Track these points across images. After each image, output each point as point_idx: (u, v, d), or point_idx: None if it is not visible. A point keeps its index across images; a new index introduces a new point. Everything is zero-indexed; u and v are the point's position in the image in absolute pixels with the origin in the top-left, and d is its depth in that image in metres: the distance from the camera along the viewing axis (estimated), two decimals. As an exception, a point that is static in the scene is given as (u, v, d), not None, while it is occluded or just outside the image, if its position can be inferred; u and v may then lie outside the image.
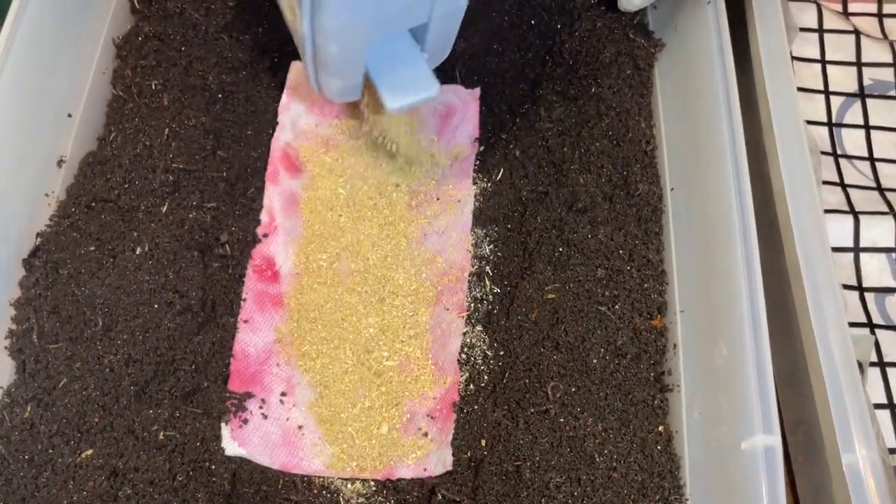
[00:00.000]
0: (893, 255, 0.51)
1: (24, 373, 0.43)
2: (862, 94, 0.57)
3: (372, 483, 0.47)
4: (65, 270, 0.45)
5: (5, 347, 0.43)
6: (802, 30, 0.59)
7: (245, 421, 0.46)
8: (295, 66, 0.58)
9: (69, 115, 0.50)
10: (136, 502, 0.40)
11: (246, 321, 0.50)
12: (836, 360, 0.40)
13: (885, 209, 0.52)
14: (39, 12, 0.47)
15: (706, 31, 0.49)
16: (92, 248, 0.46)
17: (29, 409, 0.41)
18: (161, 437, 0.42)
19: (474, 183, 0.56)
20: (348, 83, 0.46)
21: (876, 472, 0.37)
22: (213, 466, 0.44)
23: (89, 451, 0.41)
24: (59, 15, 0.49)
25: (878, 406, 0.47)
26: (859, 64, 0.58)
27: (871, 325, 0.49)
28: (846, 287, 0.50)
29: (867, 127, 0.56)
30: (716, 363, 0.42)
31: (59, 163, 0.49)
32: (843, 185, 0.53)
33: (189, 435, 0.43)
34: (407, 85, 0.45)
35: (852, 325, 0.49)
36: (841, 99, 0.57)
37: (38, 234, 0.46)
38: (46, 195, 0.47)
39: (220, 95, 0.54)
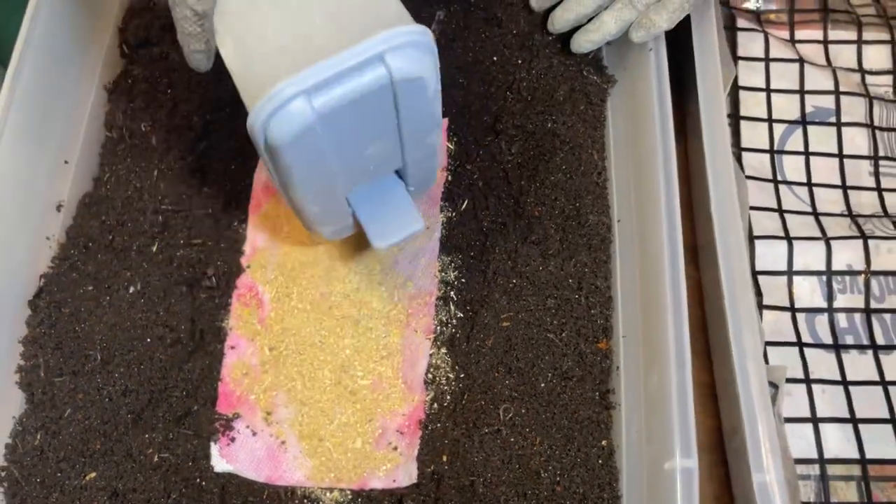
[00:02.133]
0: (824, 277, 0.55)
1: (32, 404, 0.48)
2: (804, 121, 0.61)
3: (348, 492, 0.52)
4: (66, 309, 0.50)
5: (16, 382, 0.48)
6: (750, 59, 0.62)
7: (232, 439, 0.52)
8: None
9: (66, 162, 0.54)
10: (134, 520, 0.45)
11: (232, 347, 0.55)
12: (751, 383, 0.45)
13: (818, 234, 0.56)
14: (39, 64, 0.51)
15: (648, 76, 0.53)
16: (90, 288, 0.51)
17: (38, 436, 0.47)
18: (156, 459, 0.48)
19: (441, 211, 0.60)
20: (338, 227, 0.49)
21: (781, 490, 0.42)
22: (204, 483, 0.49)
23: (93, 474, 0.46)
24: (58, 64, 0.53)
25: (802, 420, 0.51)
26: (802, 92, 0.62)
27: (801, 344, 0.54)
28: (779, 308, 0.55)
29: (807, 153, 0.60)
30: (649, 388, 0.47)
31: (58, 207, 0.53)
32: (781, 212, 0.57)
33: (181, 455, 0.49)
34: (393, 223, 0.48)
35: (783, 344, 0.54)
36: (783, 126, 0.61)
37: (41, 276, 0.51)
38: (47, 238, 0.52)
39: (204, 134, 0.59)
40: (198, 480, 0.49)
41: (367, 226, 0.48)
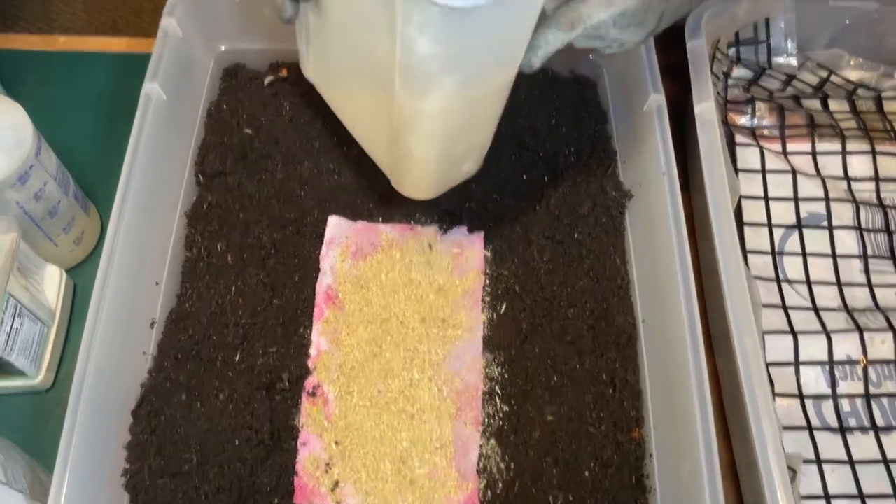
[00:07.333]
0: (827, 366, 0.62)
1: (137, 504, 0.54)
2: (799, 226, 0.69)
3: (413, 574, 0.58)
4: (164, 416, 0.57)
5: (122, 485, 0.55)
6: (748, 171, 0.71)
7: (309, 528, 0.58)
8: (332, 220, 0.70)
9: (157, 283, 0.62)
10: None
11: (304, 444, 0.61)
12: (772, 468, 0.51)
13: (819, 328, 0.63)
14: (136, 204, 0.58)
15: (662, 194, 0.61)
16: (183, 397, 0.58)
17: (145, 534, 0.53)
18: (248, 550, 0.54)
19: (483, 311, 0.68)
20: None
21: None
22: (289, 570, 0.55)
23: (195, 567, 0.52)
24: (149, 202, 0.61)
25: (816, 497, 0.58)
26: (796, 199, 0.70)
27: (811, 428, 0.60)
28: (789, 396, 0.62)
29: (804, 254, 0.68)
30: (682, 475, 0.53)
31: (152, 324, 0.61)
32: (785, 308, 0.65)
33: (268, 546, 0.55)
34: None
35: (795, 428, 0.60)
36: (782, 230, 0.69)
37: (141, 386, 0.58)
38: (144, 353, 0.59)
39: (272, 251, 0.67)
40: (284, 568, 0.55)
41: None
